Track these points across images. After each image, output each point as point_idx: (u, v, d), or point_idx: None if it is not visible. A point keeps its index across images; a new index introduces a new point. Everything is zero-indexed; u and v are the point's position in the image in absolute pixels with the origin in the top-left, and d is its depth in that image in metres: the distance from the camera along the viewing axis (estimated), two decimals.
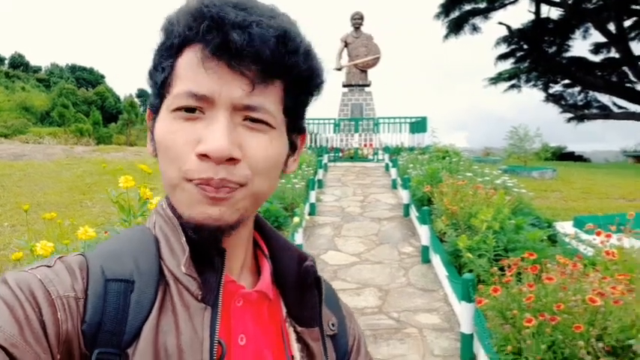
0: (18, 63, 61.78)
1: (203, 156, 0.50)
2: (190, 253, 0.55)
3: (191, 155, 0.50)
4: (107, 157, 13.99)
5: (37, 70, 66.64)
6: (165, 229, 0.58)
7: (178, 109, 0.52)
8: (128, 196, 2.47)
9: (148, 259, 0.55)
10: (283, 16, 0.54)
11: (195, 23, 0.50)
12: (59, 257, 0.53)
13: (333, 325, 0.69)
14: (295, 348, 0.63)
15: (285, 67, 0.52)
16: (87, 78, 69.69)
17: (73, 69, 71.29)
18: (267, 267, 0.66)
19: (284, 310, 0.65)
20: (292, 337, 0.64)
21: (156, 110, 0.57)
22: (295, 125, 0.60)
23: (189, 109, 0.51)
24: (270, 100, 0.53)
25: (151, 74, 0.56)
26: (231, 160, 0.50)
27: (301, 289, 0.65)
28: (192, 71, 0.51)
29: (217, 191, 0.51)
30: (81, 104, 53.50)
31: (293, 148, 0.61)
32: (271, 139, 0.54)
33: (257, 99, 0.51)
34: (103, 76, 74.38)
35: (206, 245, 0.55)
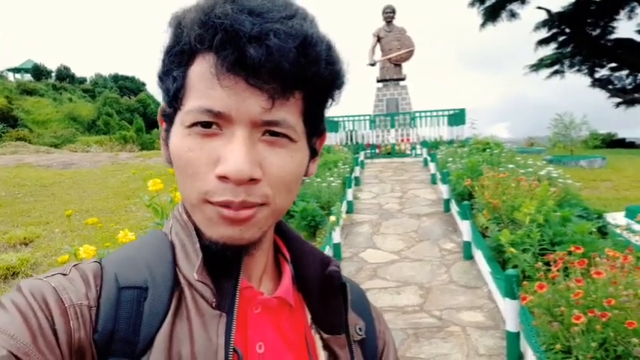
0: (64, 75, 64.43)
1: (223, 177, 0.48)
2: (205, 259, 0.53)
3: (210, 175, 0.49)
4: (149, 162, 14.40)
5: (83, 81, 69.29)
6: (181, 234, 0.57)
7: (194, 124, 0.49)
8: (160, 199, 2.52)
9: (163, 265, 0.54)
10: (301, 12, 0.51)
11: (208, 34, 0.47)
12: (75, 265, 0.53)
13: (360, 329, 0.66)
14: (321, 355, 0.61)
15: (306, 78, 0.49)
16: (129, 86, 72.00)
17: (116, 78, 73.77)
18: (288, 272, 0.64)
19: (308, 317, 0.63)
20: (318, 344, 0.62)
21: (169, 121, 0.54)
22: (316, 130, 0.57)
23: (206, 124, 0.49)
24: (290, 113, 0.50)
25: (161, 79, 0.53)
26: (252, 181, 0.49)
27: (325, 294, 0.63)
28: (206, 85, 0.48)
29: (237, 213, 0.49)
30: (124, 112, 55.37)
31: (313, 153, 0.59)
32: (292, 153, 0.52)
33: (277, 114, 0.49)
34: (144, 84, 76.56)
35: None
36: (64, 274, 0.51)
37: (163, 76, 0.53)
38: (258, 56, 0.45)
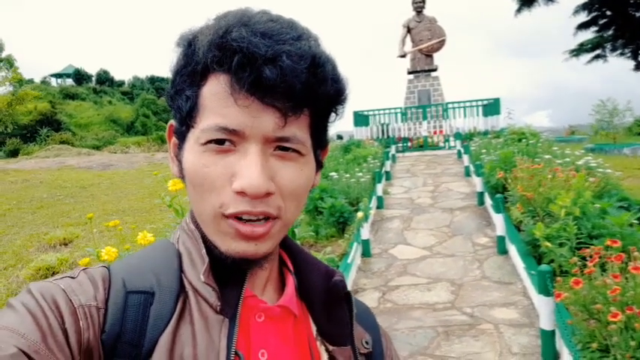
0: (104, 79, 66.61)
1: (240, 192, 0.49)
2: (211, 266, 0.55)
3: (226, 189, 0.51)
4: None
5: (121, 84, 71.43)
6: (188, 243, 0.59)
7: (209, 142, 0.51)
8: (181, 200, 2.55)
9: (169, 272, 0.56)
10: (306, 33, 0.53)
11: (225, 57, 0.48)
12: (83, 269, 0.54)
13: (366, 342, 0.66)
14: None
15: (315, 97, 0.51)
16: (165, 87, 73.75)
17: (152, 80, 75.66)
18: (291, 282, 0.64)
19: (314, 329, 0.63)
20: (324, 356, 0.62)
21: (182, 138, 0.56)
22: (321, 143, 0.59)
23: (219, 141, 0.51)
24: (300, 129, 0.52)
25: (173, 98, 0.55)
26: (267, 195, 0.50)
27: (330, 304, 0.64)
28: (221, 104, 0.50)
29: (253, 230, 0.51)
30: (161, 113, 56.78)
31: (319, 165, 0.61)
32: (302, 166, 0.54)
33: (288, 130, 0.51)
34: None
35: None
36: (73, 277, 0.52)
37: (175, 95, 0.54)
38: (273, 77, 0.47)
